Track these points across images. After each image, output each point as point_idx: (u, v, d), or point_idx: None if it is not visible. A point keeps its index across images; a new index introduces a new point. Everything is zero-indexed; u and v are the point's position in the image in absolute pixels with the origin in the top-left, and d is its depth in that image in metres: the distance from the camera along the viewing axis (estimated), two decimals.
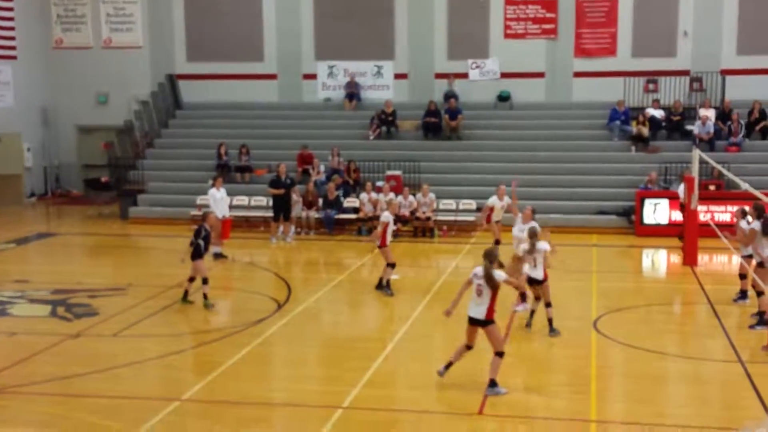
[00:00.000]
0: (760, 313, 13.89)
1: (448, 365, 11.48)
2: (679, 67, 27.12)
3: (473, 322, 11.14)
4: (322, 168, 25.47)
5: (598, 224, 23.40)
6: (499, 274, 11.02)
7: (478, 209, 24.17)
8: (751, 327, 13.84)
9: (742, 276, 15.21)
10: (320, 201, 23.89)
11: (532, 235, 13.51)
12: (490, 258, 10.98)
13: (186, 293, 15.63)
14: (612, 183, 24.53)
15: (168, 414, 10.36)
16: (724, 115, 25.62)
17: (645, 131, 25.56)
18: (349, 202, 24.25)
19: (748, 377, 11.42)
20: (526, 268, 13.67)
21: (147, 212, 25.84)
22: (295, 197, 23.01)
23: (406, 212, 23.11)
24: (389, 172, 25.10)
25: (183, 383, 11.53)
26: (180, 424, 10.15)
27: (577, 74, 27.96)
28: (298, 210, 23.23)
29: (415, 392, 11.38)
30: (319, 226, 23.69)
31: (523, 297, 14.75)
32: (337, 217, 23.73)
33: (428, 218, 23.24)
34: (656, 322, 14.69)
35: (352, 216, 23.81)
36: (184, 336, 13.94)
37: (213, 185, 20.95)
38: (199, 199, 24.04)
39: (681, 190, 20.59)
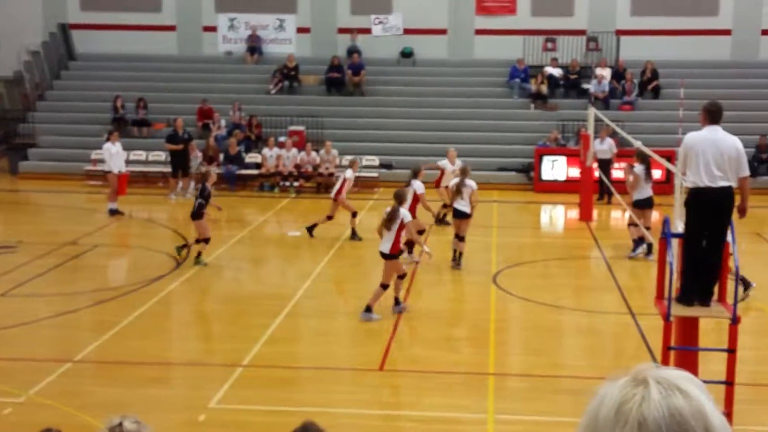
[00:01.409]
0: (635, 242, 15.50)
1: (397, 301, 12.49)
2: (576, 26, 27.55)
3: (382, 256, 12.24)
4: (222, 123, 25.00)
5: (498, 180, 23.73)
6: (405, 213, 12.18)
7: (381, 165, 24.28)
8: (630, 257, 15.47)
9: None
10: (221, 156, 23.50)
11: (463, 172, 14.99)
12: (399, 199, 12.35)
13: (199, 254, 15.16)
14: (512, 140, 24.88)
15: (60, 375, 10.08)
16: (618, 74, 26.22)
17: (544, 89, 25.98)
18: (251, 157, 23.91)
19: (639, 329, 11.85)
20: (456, 203, 14.85)
21: (38, 167, 24.86)
22: (196, 152, 22.58)
23: (309, 168, 23.01)
24: (292, 128, 24.84)
25: (77, 344, 11.24)
26: (73, 386, 9.89)
27: (479, 32, 28.11)
28: (196, 165, 22.81)
29: (316, 348, 11.42)
30: (220, 182, 23.28)
31: (410, 248, 15.15)
32: (238, 173, 23.40)
33: (331, 174, 23.14)
34: (553, 276, 15.07)
35: (254, 172, 23.53)
36: (78, 295, 13.55)
37: (108, 139, 20.31)
38: (94, 154, 23.30)
39: (598, 146, 21.10)
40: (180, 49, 28.79)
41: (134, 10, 28.44)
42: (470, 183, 14.96)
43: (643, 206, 15.36)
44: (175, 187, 22.03)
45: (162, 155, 23.60)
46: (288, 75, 26.84)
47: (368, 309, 12.15)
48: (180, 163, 21.94)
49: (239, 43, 28.57)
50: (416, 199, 14.79)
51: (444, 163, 18.63)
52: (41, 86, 27.80)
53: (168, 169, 22.54)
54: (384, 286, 12.20)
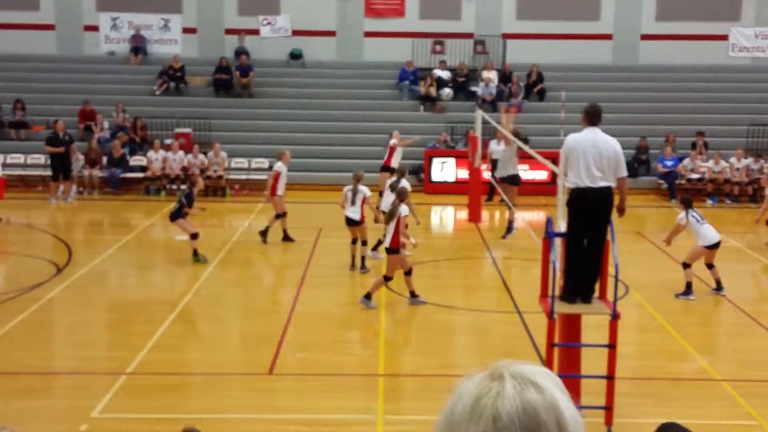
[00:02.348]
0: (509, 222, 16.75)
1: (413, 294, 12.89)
2: (464, 29, 27.99)
3: (386, 251, 12.86)
4: (106, 125, 24.31)
5: None
6: (403, 209, 12.70)
7: (271, 168, 24.02)
8: (503, 237, 16.85)
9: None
10: (104, 159, 22.83)
11: (355, 178, 15.05)
12: (400, 196, 12.79)
13: (195, 252, 15.36)
14: None
15: None
16: (505, 77, 26.77)
17: (432, 91, 26.27)
18: (136, 160, 23.33)
19: (525, 326, 12.09)
20: (347, 210, 14.99)
21: None
22: (77, 155, 21.88)
23: (196, 171, 22.59)
24: (178, 130, 24.34)
25: None
26: None
27: (368, 34, 28.22)
28: (78, 168, 22.10)
29: (204, 354, 11.20)
30: (103, 186, 22.66)
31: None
32: (122, 176, 22.79)
33: (220, 177, 22.81)
34: (443, 277, 15.21)
35: (140, 175, 22.96)
36: None
37: None
38: None
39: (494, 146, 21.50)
40: (59, 49, 27.83)
41: (10, 8, 27.34)
42: (362, 189, 14.97)
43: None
44: (56, 191, 21.28)
45: (42, 158, 22.77)
46: (174, 76, 26.31)
47: (368, 296, 12.66)
48: (61, 166, 21.22)
49: (122, 43, 27.84)
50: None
51: (393, 142, 19.24)
52: None
53: (48, 172, 21.76)
54: (387, 278, 12.73)
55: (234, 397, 9.77)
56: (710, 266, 13.78)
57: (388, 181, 15.36)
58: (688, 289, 13.57)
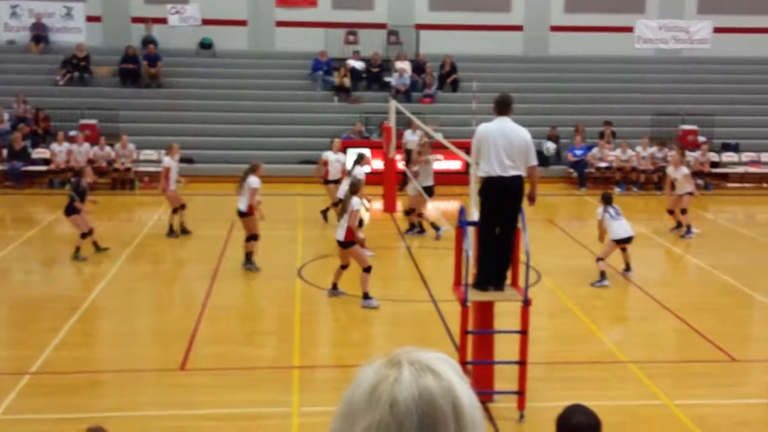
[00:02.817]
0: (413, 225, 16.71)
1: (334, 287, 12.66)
2: (377, 20, 27.95)
3: (339, 245, 12.52)
4: (6, 116, 23.42)
5: (302, 173, 23.66)
6: (355, 202, 12.23)
7: (182, 160, 23.51)
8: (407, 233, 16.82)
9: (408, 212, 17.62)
10: (5, 152, 22.01)
11: (249, 169, 14.65)
12: (353, 188, 12.39)
13: (95, 244, 15.10)
14: (315, 132, 24.84)
15: None
16: (418, 67, 26.84)
17: (346, 82, 26.17)
18: (39, 153, 22.55)
19: (439, 314, 12.14)
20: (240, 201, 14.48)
21: None
22: None
23: (103, 163, 22.03)
24: (83, 121, 23.62)
25: None
26: None
27: (280, 23, 27.91)
28: None
29: (113, 351, 10.91)
30: (3, 180, 21.84)
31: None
32: (24, 169, 22.00)
33: (128, 169, 22.26)
34: (358, 268, 15.12)
35: (43, 168, 22.21)
36: None
37: None
38: None
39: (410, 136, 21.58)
40: None
41: None
42: (250, 180, 14.47)
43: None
44: None
45: None
46: (78, 65, 25.50)
47: (366, 296, 12.31)
48: None
49: (23, 31, 26.85)
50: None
51: (327, 153, 17.99)
52: None
53: None
54: (366, 270, 12.39)
55: (145, 394, 9.55)
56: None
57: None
58: (603, 277, 13.87)
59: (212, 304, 12.69)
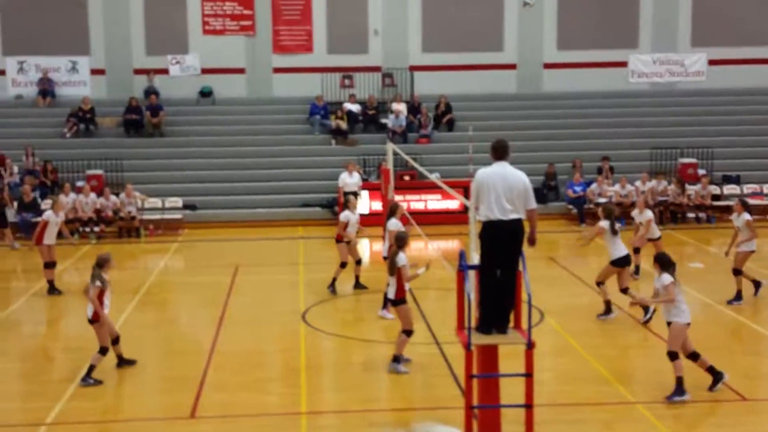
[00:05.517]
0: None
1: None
2: (371, 63, 28.46)
3: (390, 303, 12.08)
4: (15, 169, 23.83)
5: (303, 216, 24.00)
6: (401, 258, 11.79)
7: (185, 206, 23.94)
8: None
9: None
10: (15, 204, 22.39)
11: None
12: (399, 242, 11.89)
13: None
14: (315, 176, 25.23)
15: None
16: (414, 108, 27.27)
17: (343, 125, 26.60)
18: (48, 204, 22.86)
19: (444, 358, 12.34)
20: None
21: None
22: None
23: (109, 212, 22.41)
24: (90, 172, 24.05)
25: None
26: None
27: (277, 70, 28.44)
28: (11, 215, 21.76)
29: (125, 400, 11.13)
30: (15, 231, 22.15)
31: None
32: (34, 220, 22.28)
33: (133, 218, 22.59)
34: (362, 311, 15.35)
35: None
36: None
37: None
38: None
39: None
40: None
41: None
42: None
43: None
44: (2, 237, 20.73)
45: None
46: (84, 118, 26.03)
47: (396, 359, 11.81)
48: None
49: (30, 86, 27.46)
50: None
51: (347, 214, 16.35)
52: None
53: None
54: (407, 333, 11.82)
55: None
56: (624, 290, 14.16)
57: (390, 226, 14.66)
58: (608, 309, 14.05)
59: (219, 350, 12.90)
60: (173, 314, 15.99)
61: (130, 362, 12.10)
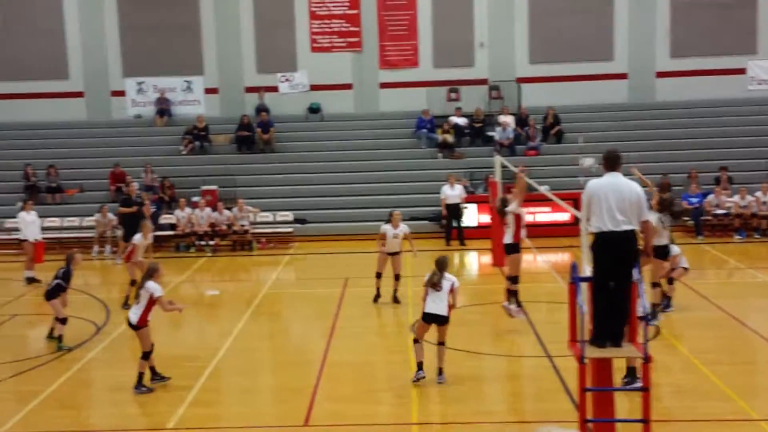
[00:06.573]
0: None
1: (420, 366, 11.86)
2: (478, 76, 28.46)
3: (430, 319, 11.86)
4: (136, 185, 24.79)
5: (411, 230, 23.97)
6: (448, 278, 11.95)
7: (296, 220, 24.43)
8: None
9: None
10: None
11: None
12: (441, 266, 12.00)
13: (59, 337, 14.12)
14: (422, 189, 25.32)
15: None
16: (521, 120, 27.10)
17: (450, 138, 26.65)
18: (165, 218, 23.80)
19: (555, 370, 12.20)
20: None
21: None
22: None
23: (223, 226, 23.11)
24: (204, 187, 24.84)
25: (1, 415, 11.01)
26: None
27: (383, 85, 28.77)
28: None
29: (241, 408, 11.40)
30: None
31: None
32: (154, 234, 23.17)
33: (246, 231, 23.19)
34: (470, 323, 15.30)
35: (170, 233, 23.38)
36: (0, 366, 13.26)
37: (23, 208, 20.09)
38: (8, 223, 23.09)
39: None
40: (89, 115, 28.76)
41: (41, 78, 28.43)
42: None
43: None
44: (125, 250, 21.58)
45: (76, 221, 23.85)
46: (198, 135, 26.93)
47: (440, 372, 11.89)
48: (134, 226, 21.30)
49: (148, 105, 28.63)
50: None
51: (386, 227, 16.67)
52: None
53: (83, 234, 22.85)
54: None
55: None
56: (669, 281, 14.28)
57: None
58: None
59: (330, 361, 13.09)
60: (285, 325, 16.31)
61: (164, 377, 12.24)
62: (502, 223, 14.69)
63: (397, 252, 16.62)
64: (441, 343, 12.00)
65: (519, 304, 14.64)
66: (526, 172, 16.41)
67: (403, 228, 16.63)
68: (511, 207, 14.41)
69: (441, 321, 11.92)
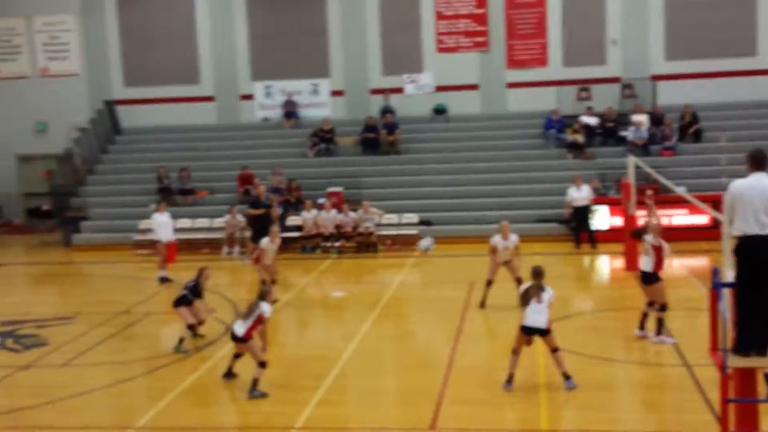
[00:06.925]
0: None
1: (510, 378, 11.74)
2: (609, 74, 27.65)
3: (531, 332, 11.74)
4: (264, 188, 25.32)
5: (539, 232, 23.64)
6: (547, 289, 11.89)
7: (421, 222, 24.37)
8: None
9: None
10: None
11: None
12: (538, 275, 12.01)
13: (181, 340, 14.37)
14: (550, 191, 24.79)
15: None
16: (656, 119, 26.17)
17: (580, 138, 26.00)
18: (291, 220, 24.16)
19: (695, 380, 11.65)
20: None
21: (90, 239, 25.55)
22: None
23: (349, 228, 23.26)
24: (330, 189, 25.08)
25: (135, 411, 11.41)
26: None
27: (511, 85, 28.34)
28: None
29: (367, 409, 11.40)
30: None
31: None
32: (282, 236, 23.57)
33: (371, 233, 23.28)
34: (602, 329, 14.88)
35: (296, 234, 23.73)
36: (134, 363, 13.72)
37: (157, 209, 20.77)
38: (143, 224, 23.89)
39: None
40: (219, 118, 29.52)
41: (174, 83, 29.35)
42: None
43: None
44: (253, 251, 22.16)
45: (206, 222, 24.53)
46: (324, 138, 27.25)
47: (567, 376, 11.68)
48: (262, 228, 21.92)
49: (276, 109, 29.19)
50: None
51: (496, 239, 16.39)
52: (90, 161, 28.60)
53: (213, 235, 23.43)
54: (554, 350, 11.77)
55: None
56: None
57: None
58: None
59: (457, 364, 12.94)
60: (411, 328, 16.24)
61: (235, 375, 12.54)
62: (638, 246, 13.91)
63: (508, 261, 16.35)
64: (554, 350, 11.74)
65: (660, 331, 13.77)
66: (653, 198, 15.66)
67: (514, 239, 16.28)
68: (648, 238, 13.73)
69: (542, 333, 11.72)
